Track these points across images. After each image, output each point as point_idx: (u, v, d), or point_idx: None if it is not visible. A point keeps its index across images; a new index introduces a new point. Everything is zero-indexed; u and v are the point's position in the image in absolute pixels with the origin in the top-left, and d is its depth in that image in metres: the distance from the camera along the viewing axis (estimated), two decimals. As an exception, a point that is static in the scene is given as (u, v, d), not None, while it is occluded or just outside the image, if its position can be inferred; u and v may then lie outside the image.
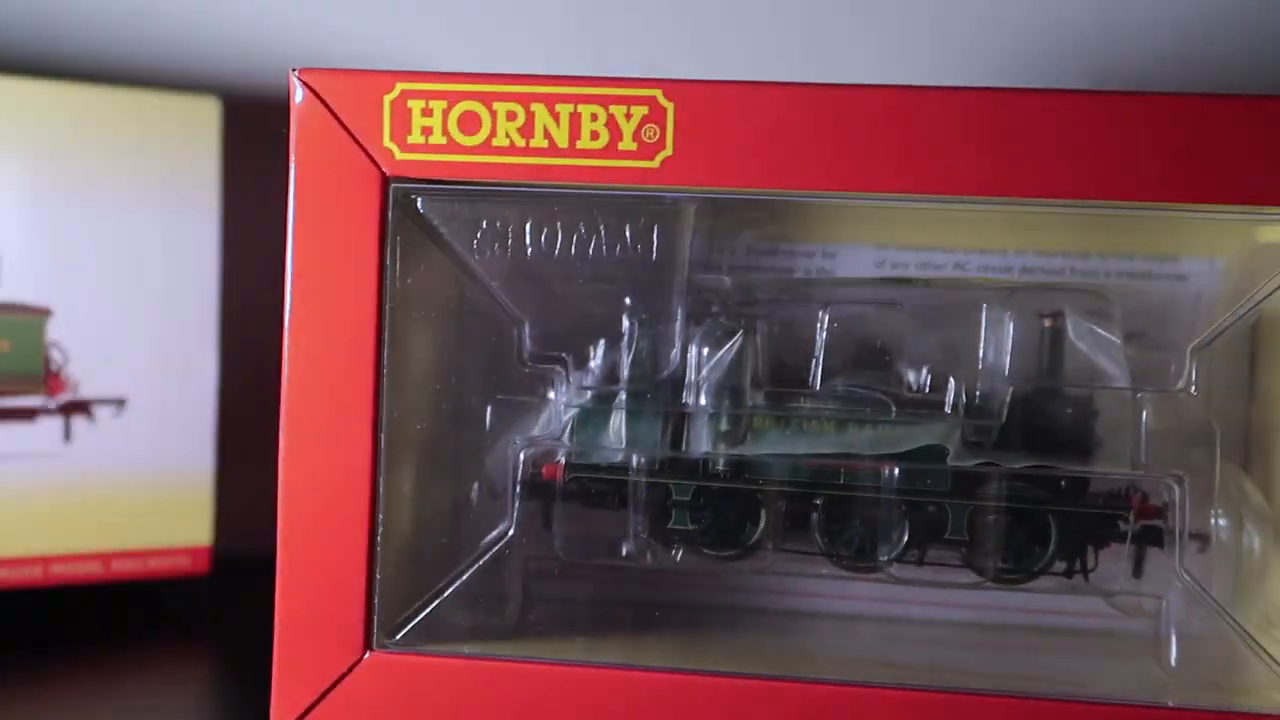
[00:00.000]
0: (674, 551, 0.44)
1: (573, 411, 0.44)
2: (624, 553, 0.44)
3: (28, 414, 0.57)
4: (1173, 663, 0.43)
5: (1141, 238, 0.47)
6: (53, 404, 0.57)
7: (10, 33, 0.67)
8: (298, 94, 0.41)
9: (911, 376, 0.43)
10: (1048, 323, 0.43)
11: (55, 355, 0.57)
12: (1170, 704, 0.40)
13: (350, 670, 0.41)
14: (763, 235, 0.47)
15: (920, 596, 0.47)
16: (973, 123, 0.39)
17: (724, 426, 0.43)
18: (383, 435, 0.41)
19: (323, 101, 0.41)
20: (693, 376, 0.43)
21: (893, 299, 0.43)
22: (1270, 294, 0.41)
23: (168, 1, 0.67)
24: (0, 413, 0.56)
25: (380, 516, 0.41)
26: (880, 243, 0.48)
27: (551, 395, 0.44)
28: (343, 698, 0.41)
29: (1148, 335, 0.45)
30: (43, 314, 0.57)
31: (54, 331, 0.57)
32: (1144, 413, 0.42)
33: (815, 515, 0.43)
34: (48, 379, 0.57)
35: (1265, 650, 0.41)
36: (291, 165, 0.41)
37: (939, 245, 0.48)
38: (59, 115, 0.57)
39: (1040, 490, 0.42)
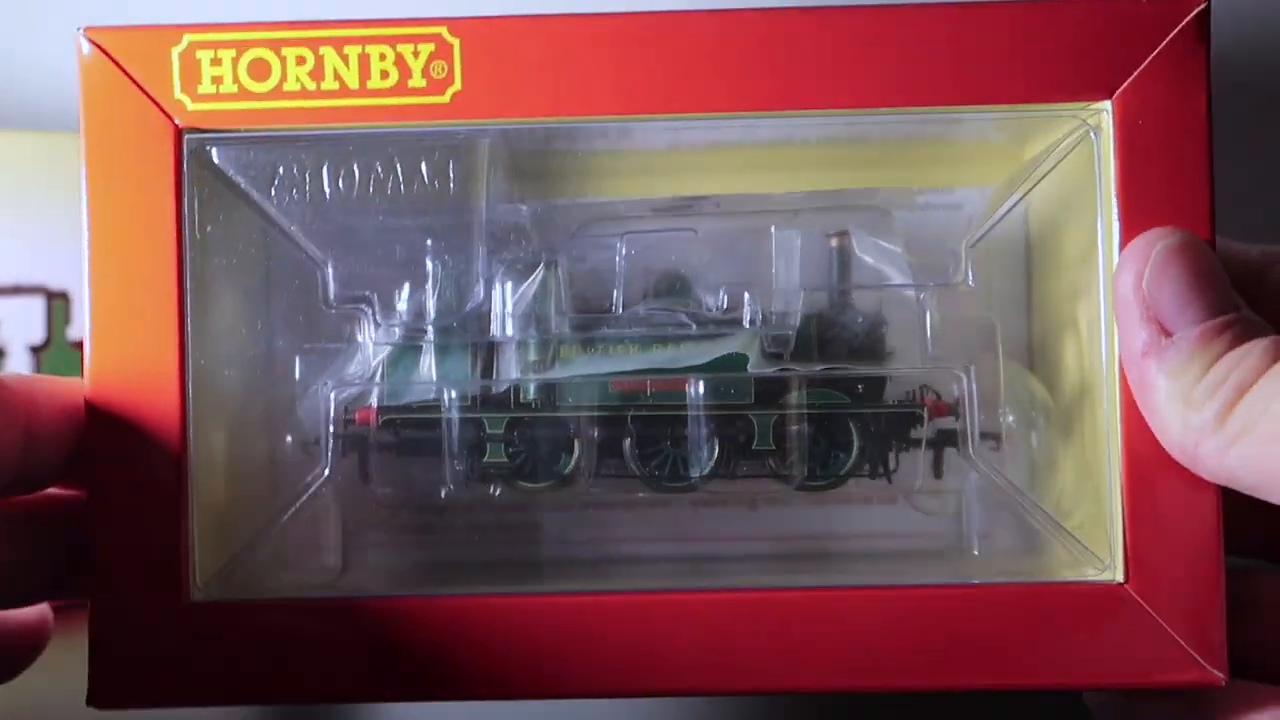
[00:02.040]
0: (491, 488, 0.45)
1: (384, 352, 0.44)
2: (442, 494, 0.44)
3: None
4: (976, 552, 0.45)
5: (921, 171, 0.50)
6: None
7: None
8: (85, 51, 0.41)
9: (710, 299, 0.45)
10: (834, 242, 0.45)
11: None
12: (975, 581, 0.42)
13: (167, 620, 0.41)
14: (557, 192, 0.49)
15: (738, 532, 0.49)
16: (760, 41, 0.41)
17: (532, 356, 0.44)
18: (190, 384, 0.41)
19: (111, 58, 0.41)
20: (499, 309, 0.44)
21: (687, 226, 0.45)
22: (1036, 184, 0.44)
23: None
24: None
25: (192, 466, 0.41)
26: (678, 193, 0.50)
27: (360, 337, 0.44)
28: (161, 647, 0.41)
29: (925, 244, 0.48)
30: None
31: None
32: (929, 310, 0.44)
33: (627, 440, 0.44)
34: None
35: (1062, 526, 0.43)
36: (81, 123, 0.41)
37: (736, 190, 0.50)
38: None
39: (839, 396, 0.44)
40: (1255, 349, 0.38)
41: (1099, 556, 0.42)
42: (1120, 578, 0.41)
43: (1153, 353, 0.39)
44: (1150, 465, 0.41)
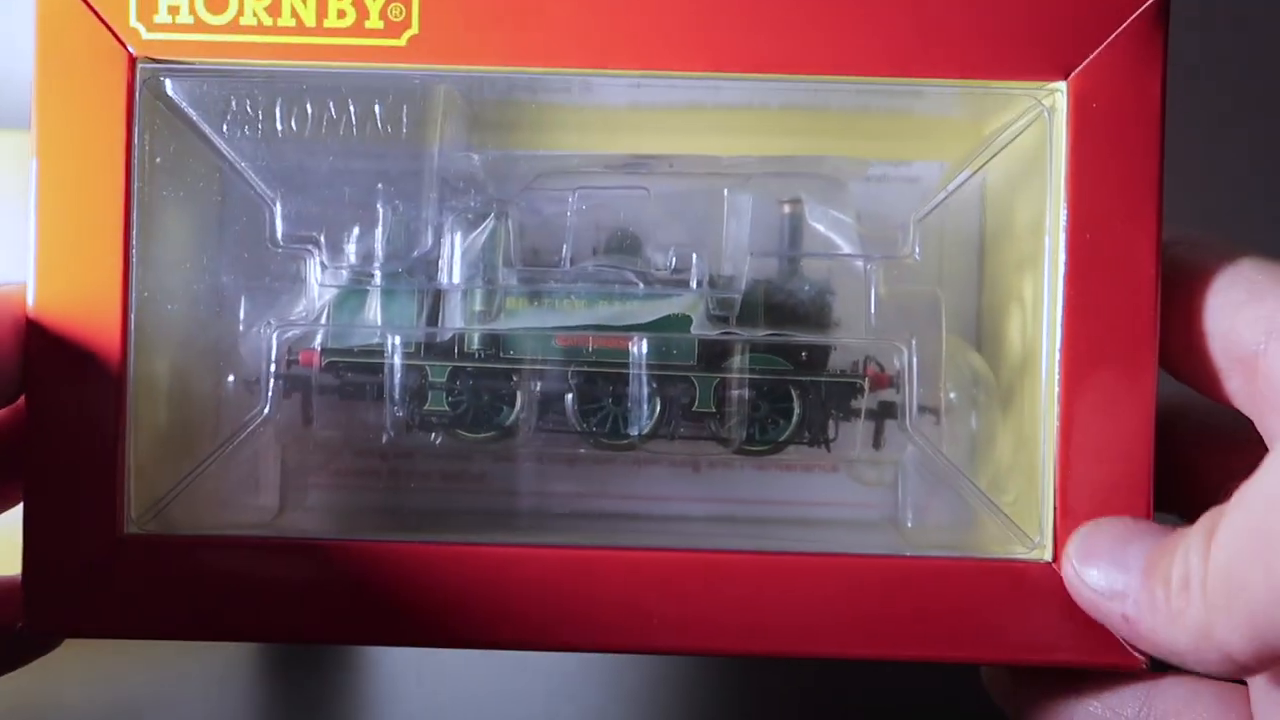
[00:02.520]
0: (433, 436, 0.45)
1: (329, 294, 0.44)
2: (383, 439, 0.45)
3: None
4: (909, 524, 0.45)
5: (881, 143, 0.50)
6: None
7: None
8: (41, -26, 0.41)
9: (659, 258, 0.45)
10: (787, 209, 0.45)
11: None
12: (905, 554, 0.42)
13: (99, 552, 0.41)
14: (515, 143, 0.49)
15: (676, 493, 0.49)
16: (725, 2, 0.41)
17: (478, 306, 0.44)
18: (133, 314, 0.41)
19: (66, -20, 0.41)
20: (447, 257, 0.44)
21: (640, 185, 0.45)
22: (987, 161, 0.44)
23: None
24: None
25: (131, 398, 0.41)
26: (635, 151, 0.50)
27: (306, 278, 0.44)
28: (91, 579, 0.41)
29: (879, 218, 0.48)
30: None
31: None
32: (875, 282, 0.44)
33: (569, 395, 0.44)
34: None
35: (994, 502, 0.44)
36: (34, 45, 0.41)
37: (690, 152, 0.50)
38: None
39: (782, 362, 0.44)
40: (1192, 537, 0.37)
41: (1029, 535, 0.42)
42: (1049, 557, 0.41)
43: (1129, 613, 0.38)
44: (1083, 445, 0.41)
